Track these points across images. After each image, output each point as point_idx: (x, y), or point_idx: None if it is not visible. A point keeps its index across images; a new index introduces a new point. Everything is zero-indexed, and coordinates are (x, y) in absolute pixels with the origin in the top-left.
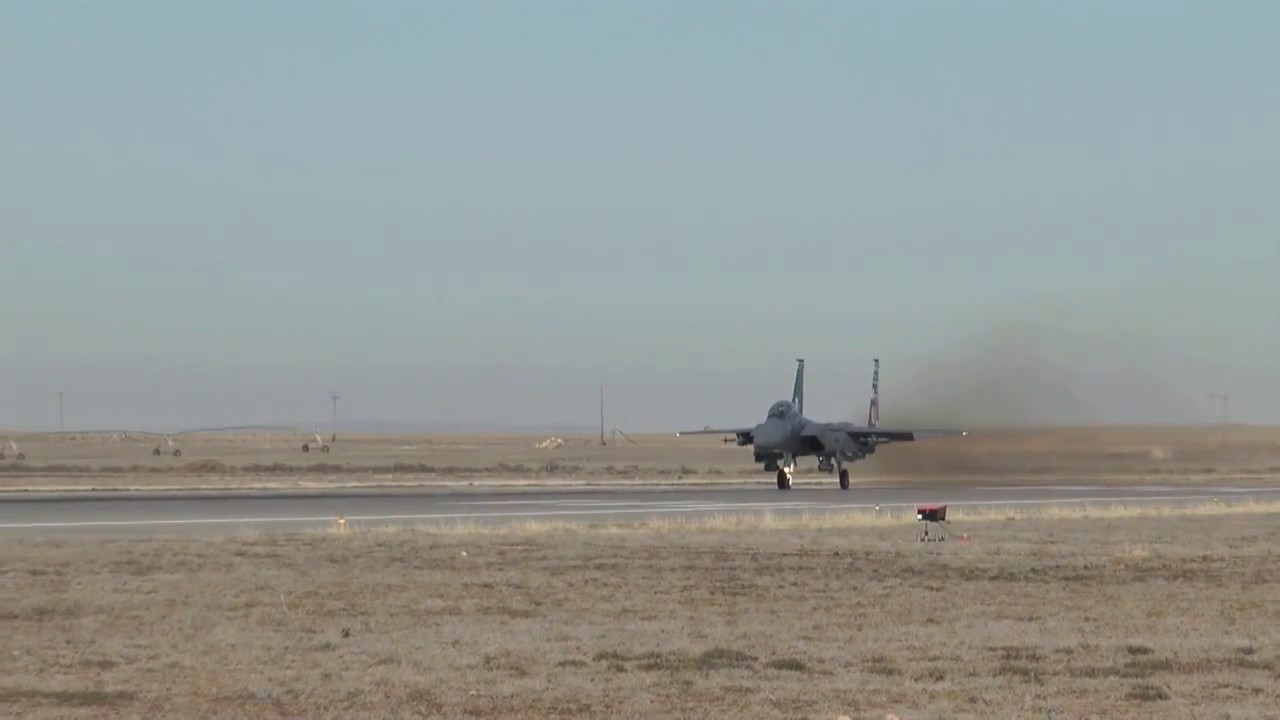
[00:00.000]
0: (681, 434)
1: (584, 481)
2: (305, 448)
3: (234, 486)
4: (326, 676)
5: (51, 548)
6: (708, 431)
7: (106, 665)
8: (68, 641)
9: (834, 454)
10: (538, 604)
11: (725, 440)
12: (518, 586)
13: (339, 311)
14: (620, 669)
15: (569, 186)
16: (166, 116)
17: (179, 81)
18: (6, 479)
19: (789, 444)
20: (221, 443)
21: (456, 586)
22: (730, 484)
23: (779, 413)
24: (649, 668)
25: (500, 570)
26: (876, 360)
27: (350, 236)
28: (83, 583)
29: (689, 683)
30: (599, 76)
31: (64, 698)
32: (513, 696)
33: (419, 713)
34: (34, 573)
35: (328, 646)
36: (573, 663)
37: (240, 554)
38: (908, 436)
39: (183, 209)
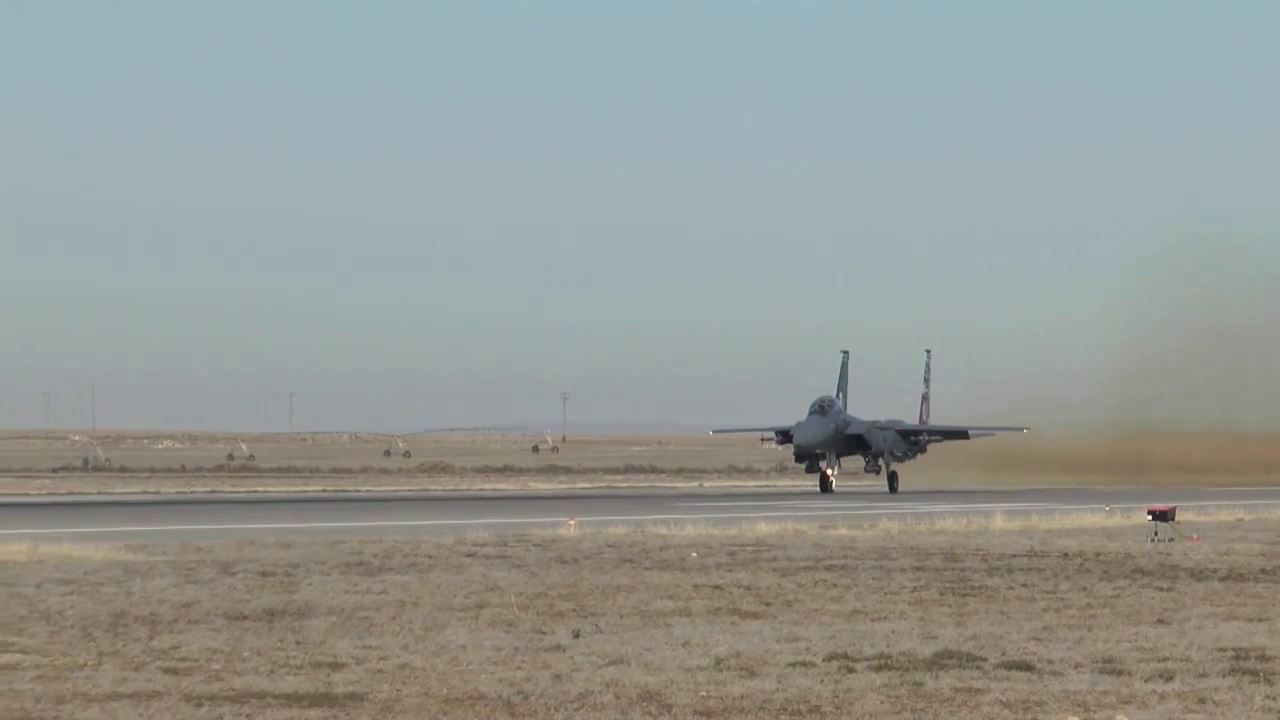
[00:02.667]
0: (714, 431)
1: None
2: (535, 449)
3: (464, 488)
4: (557, 677)
5: (282, 549)
6: (744, 430)
7: (337, 666)
8: (298, 643)
9: (881, 454)
10: (767, 605)
11: (763, 440)
12: (748, 588)
13: (569, 314)
14: (850, 670)
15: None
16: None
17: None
18: (237, 480)
19: (832, 443)
20: (452, 444)
21: (686, 588)
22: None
23: (820, 409)
24: (879, 668)
25: (730, 571)
26: (928, 351)
27: (589, 243)
28: (313, 584)
29: (919, 684)
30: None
31: (294, 699)
32: (742, 697)
33: (649, 713)
34: (264, 574)
35: (558, 647)
36: (802, 664)
37: (470, 555)
38: (962, 435)
39: (414, 221)
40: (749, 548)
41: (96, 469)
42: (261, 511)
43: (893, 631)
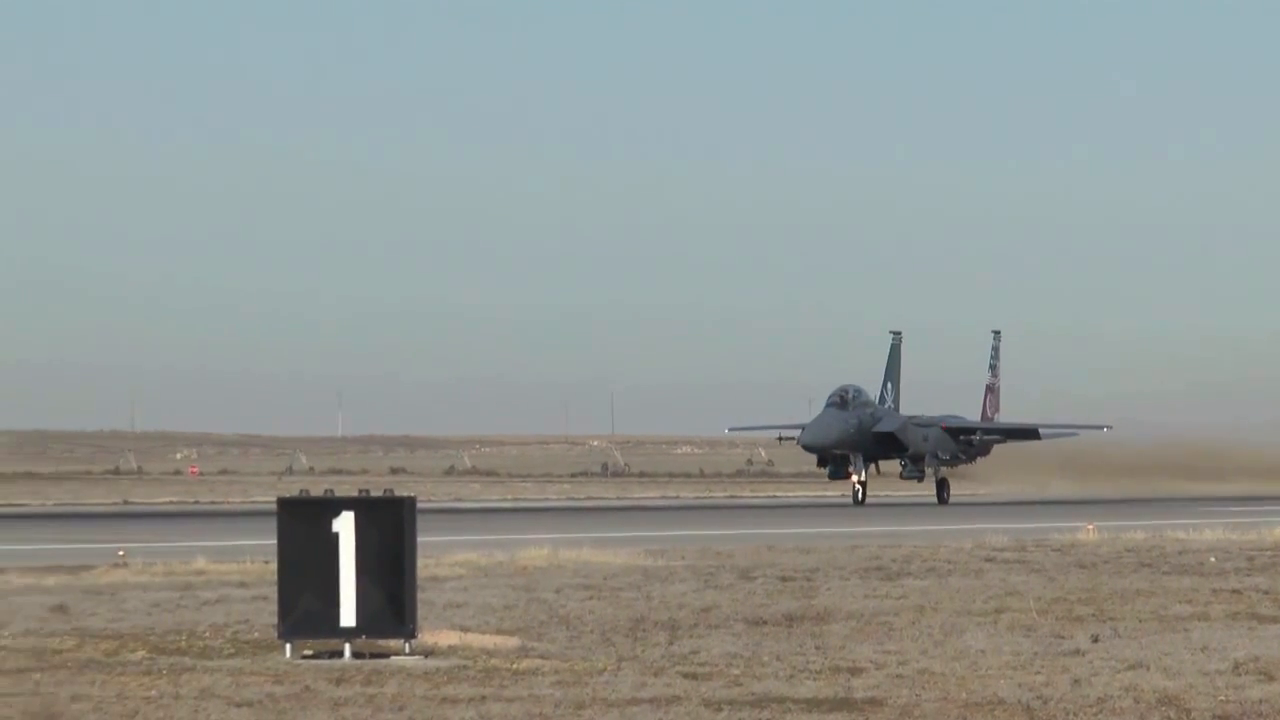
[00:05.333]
0: (730, 429)
1: None
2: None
3: (980, 494)
4: (1075, 682)
5: (801, 554)
6: (762, 428)
7: (856, 671)
8: (817, 647)
9: (923, 456)
10: None
11: (780, 439)
12: (1266, 592)
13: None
14: None
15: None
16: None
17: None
18: (756, 485)
19: (852, 442)
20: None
21: (1205, 592)
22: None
23: (840, 400)
24: None
25: (1248, 576)
26: (996, 332)
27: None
28: (831, 588)
29: None
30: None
31: (813, 704)
32: (1261, 702)
33: (1167, 718)
34: (784, 579)
35: (1076, 652)
36: None
37: (989, 560)
38: (1031, 434)
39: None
40: (1267, 552)
41: (615, 474)
42: (781, 516)
43: None
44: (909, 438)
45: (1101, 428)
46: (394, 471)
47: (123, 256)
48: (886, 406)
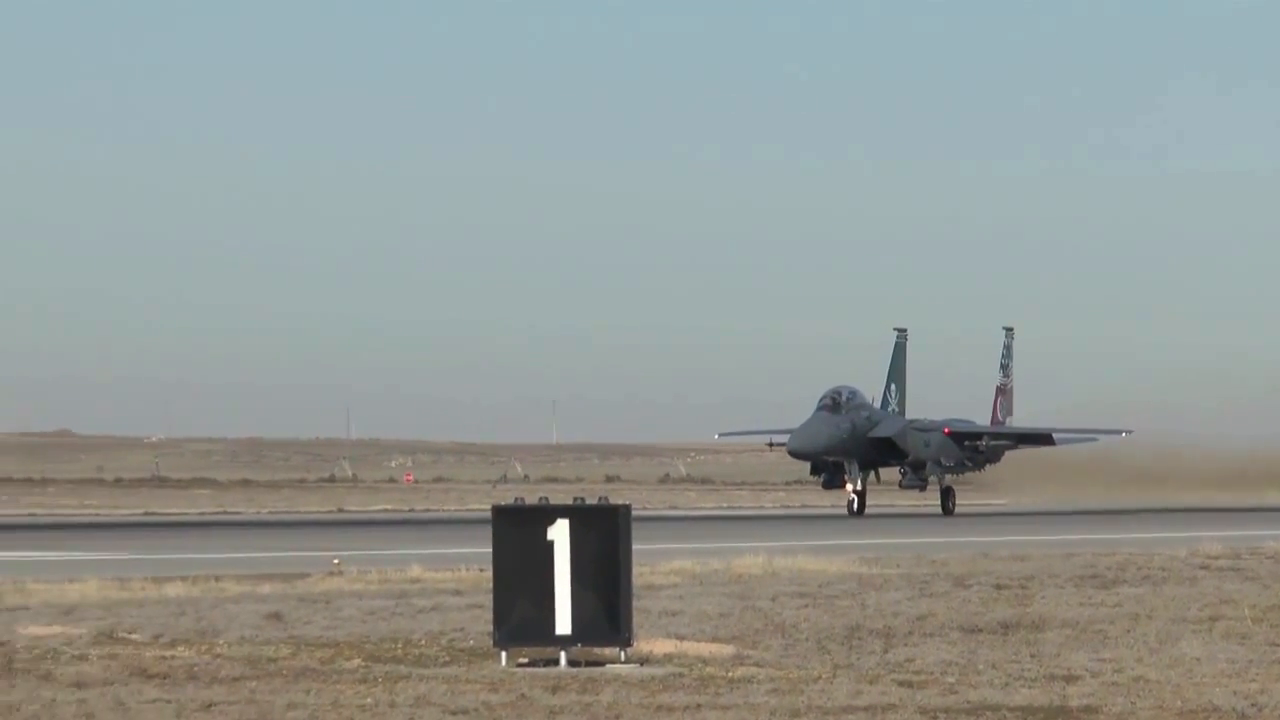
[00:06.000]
0: (720, 435)
1: None
2: None
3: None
4: None
5: (1015, 561)
6: (753, 433)
7: (1071, 679)
8: (1032, 655)
9: (924, 463)
10: None
11: (770, 445)
12: None
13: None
14: None
15: None
16: None
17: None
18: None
19: (845, 448)
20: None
21: None
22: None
23: (832, 403)
24: None
25: None
26: (1008, 329)
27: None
28: (1046, 596)
29: None
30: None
31: (1028, 711)
32: None
33: None
34: (998, 586)
35: None
36: None
37: (1203, 567)
38: (1044, 439)
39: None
40: None
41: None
42: (997, 524)
43: None
44: (909, 443)
45: (1120, 432)
46: (609, 479)
47: (338, 275)
48: (890, 410)
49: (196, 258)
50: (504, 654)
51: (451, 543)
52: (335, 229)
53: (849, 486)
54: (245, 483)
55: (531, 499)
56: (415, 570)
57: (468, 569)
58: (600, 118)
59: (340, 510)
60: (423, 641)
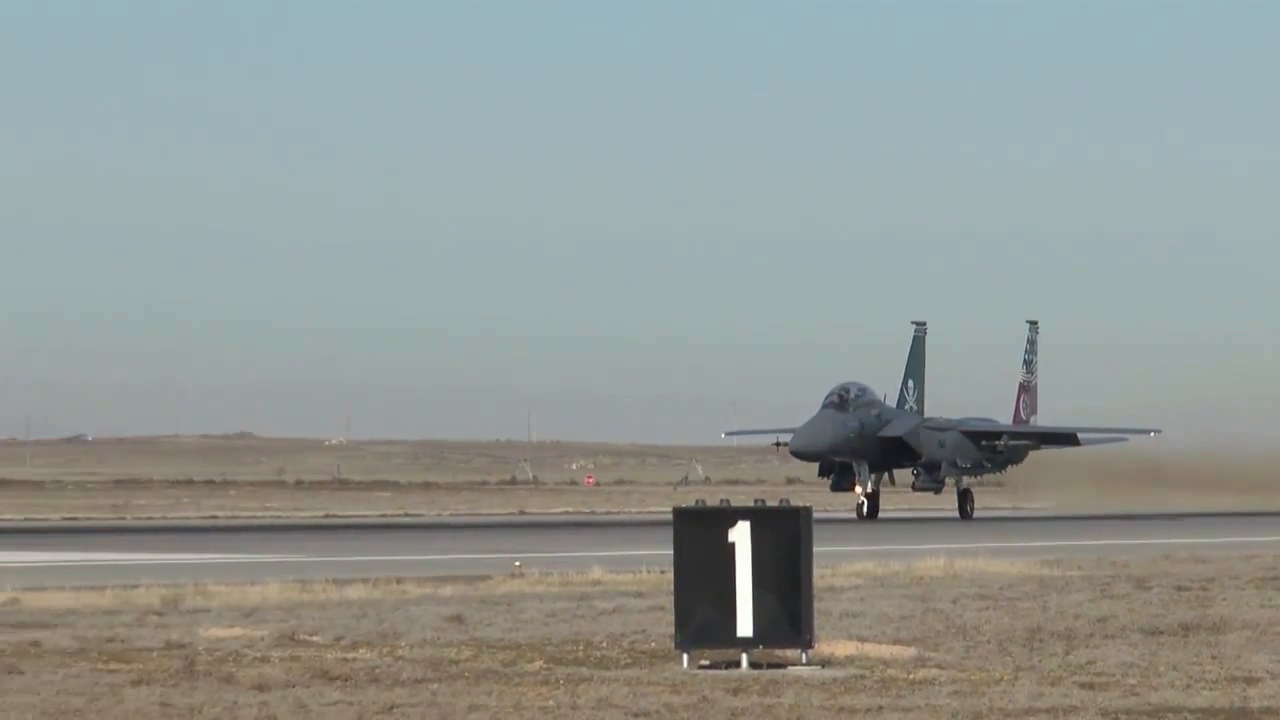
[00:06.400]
0: (727, 434)
1: None
2: None
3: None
4: None
5: (1196, 563)
6: (760, 432)
7: (1252, 681)
8: (1213, 657)
9: (938, 464)
10: None
11: (777, 444)
12: None
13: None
14: None
15: None
16: None
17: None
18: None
19: (854, 448)
20: None
21: None
22: None
23: (839, 400)
24: None
25: None
26: (1033, 323)
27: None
28: (1227, 598)
29: None
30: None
31: (1209, 713)
32: None
33: None
34: (1179, 588)
35: None
36: None
37: None
38: (1068, 439)
39: None
40: None
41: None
42: (1171, 526)
43: None
44: (921, 443)
45: (1149, 431)
46: (789, 481)
47: (518, 279)
48: (908, 408)
49: (375, 263)
50: (685, 656)
51: (632, 545)
52: (521, 234)
53: (857, 489)
54: (426, 485)
55: (712, 501)
56: (596, 572)
57: (649, 571)
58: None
59: (521, 512)
60: (604, 644)
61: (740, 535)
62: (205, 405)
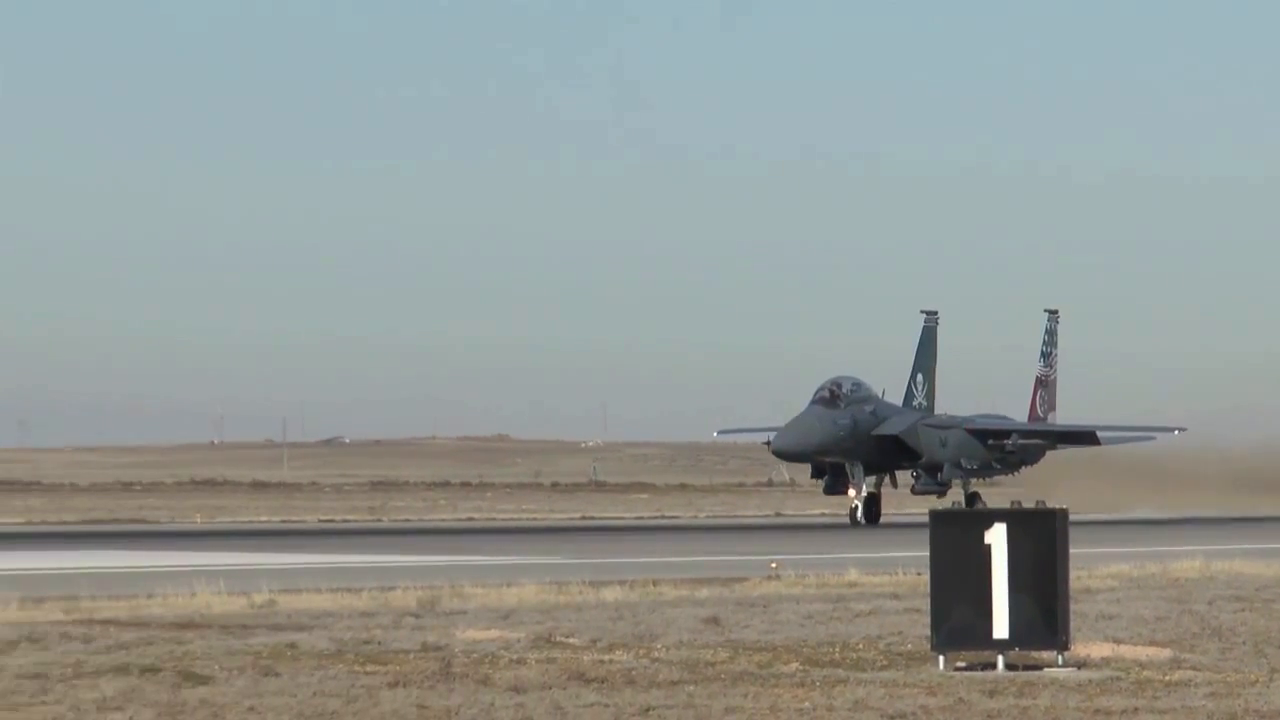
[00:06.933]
0: (719, 433)
1: None
2: None
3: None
4: None
5: None
6: (753, 429)
7: None
8: None
9: (940, 465)
10: None
11: (767, 444)
12: None
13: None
14: None
15: None
16: None
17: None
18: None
19: (845, 448)
20: None
21: None
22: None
23: (830, 396)
24: None
25: None
26: (1052, 312)
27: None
28: None
29: None
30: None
31: None
32: None
33: None
34: None
35: None
36: None
37: None
38: (1087, 438)
39: None
40: None
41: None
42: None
43: None
44: (920, 442)
45: (1173, 430)
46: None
47: (770, 277)
48: (917, 403)
49: (648, 263)
50: (941, 658)
51: (889, 547)
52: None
53: (851, 492)
54: (683, 487)
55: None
56: (852, 574)
57: (905, 573)
58: None
59: (778, 514)
60: (860, 645)
61: (996, 537)
62: (464, 408)
